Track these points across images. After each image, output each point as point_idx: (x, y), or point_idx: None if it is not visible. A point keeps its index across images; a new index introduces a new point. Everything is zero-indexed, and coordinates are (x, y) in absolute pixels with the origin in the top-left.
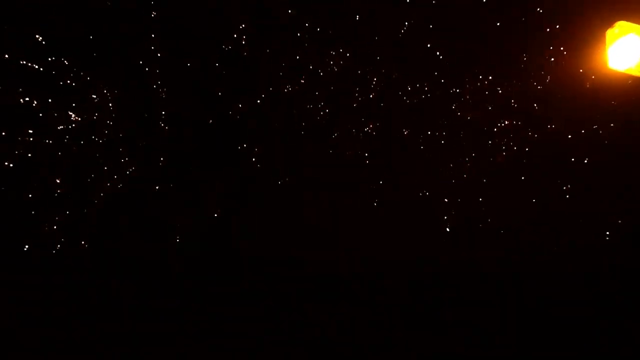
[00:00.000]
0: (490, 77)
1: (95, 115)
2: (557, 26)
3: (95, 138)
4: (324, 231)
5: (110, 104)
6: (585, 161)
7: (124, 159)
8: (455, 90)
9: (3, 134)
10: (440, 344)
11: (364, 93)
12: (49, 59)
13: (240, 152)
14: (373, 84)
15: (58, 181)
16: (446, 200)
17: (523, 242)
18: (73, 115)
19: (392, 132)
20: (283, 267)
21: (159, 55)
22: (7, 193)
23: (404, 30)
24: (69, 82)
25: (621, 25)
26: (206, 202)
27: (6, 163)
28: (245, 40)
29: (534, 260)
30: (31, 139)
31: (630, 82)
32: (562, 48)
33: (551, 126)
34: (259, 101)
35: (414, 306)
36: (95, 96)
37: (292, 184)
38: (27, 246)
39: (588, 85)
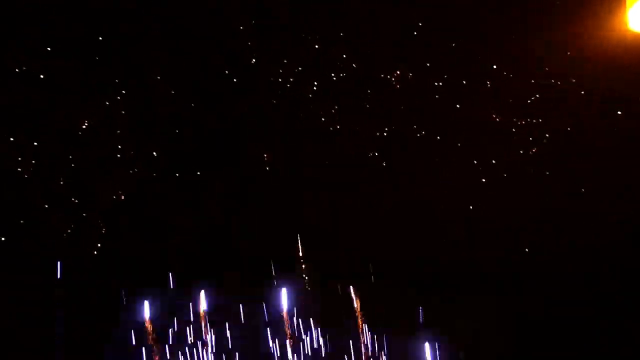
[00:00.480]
0: (505, 41)
1: (96, 115)
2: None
3: (95, 138)
4: (324, 231)
5: (110, 104)
6: (606, 137)
7: (124, 159)
8: (468, 66)
9: (5, 135)
10: (441, 342)
11: (370, 92)
12: (52, 61)
13: (241, 152)
14: (379, 83)
15: (58, 181)
16: (450, 199)
17: (527, 241)
18: (74, 116)
19: (397, 131)
20: (285, 266)
21: (159, 55)
22: (9, 193)
23: (409, 27)
24: (67, 83)
25: None
26: (207, 202)
27: (7, 164)
28: (246, 39)
29: (534, 260)
30: (32, 140)
31: None
32: (581, 9)
33: (569, 94)
34: (260, 101)
35: (415, 305)
36: (95, 96)
37: (294, 184)
38: (26, 246)
39: (608, 47)
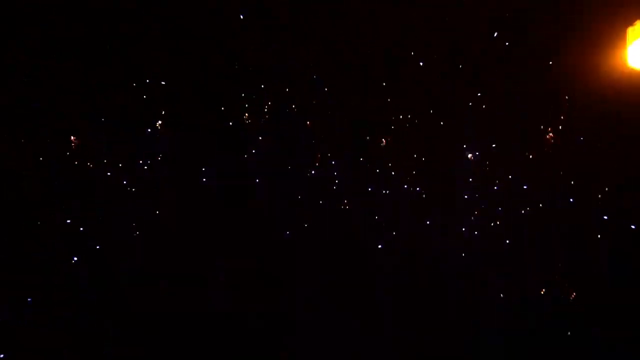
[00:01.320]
0: (502, 78)
1: (96, 117)
2: (577, 24)
3: (95, 141)
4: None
5: (110, 105)
6: (602, 166)
7: (123, 162)
8: (463, 93)
9: (6, 136)
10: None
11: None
12: (51, 61)
13: (242, 155)
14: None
15: (58, 182)
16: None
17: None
18: (74, 117)
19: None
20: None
21: (158, 56)
22: (11, 194)
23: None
24: (68, 83)
25: None
26: (205, 205)
27: (8, 165)
28: (247, 39)
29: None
30: (33, 141)
31: None
32: (581, 46)
33: (566, 128)
34: (261, 104)
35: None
36: (95, 97)
37: (294, 187)
38: (27, 247)
39: (607, 84)
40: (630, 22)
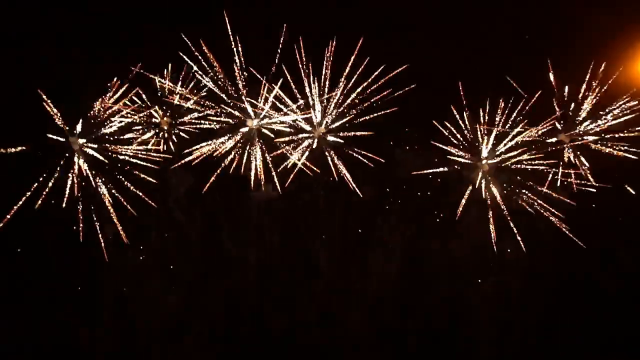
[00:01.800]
0: (521, 95)
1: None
2: (596, 42)
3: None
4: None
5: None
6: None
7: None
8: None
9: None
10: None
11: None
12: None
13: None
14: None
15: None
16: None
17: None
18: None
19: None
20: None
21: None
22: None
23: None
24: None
25: None
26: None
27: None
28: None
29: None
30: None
31: None
32: (601, 63)
33: (585, 144)
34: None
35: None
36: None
37: (297, 191)
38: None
39: (626, 98)
40: None
